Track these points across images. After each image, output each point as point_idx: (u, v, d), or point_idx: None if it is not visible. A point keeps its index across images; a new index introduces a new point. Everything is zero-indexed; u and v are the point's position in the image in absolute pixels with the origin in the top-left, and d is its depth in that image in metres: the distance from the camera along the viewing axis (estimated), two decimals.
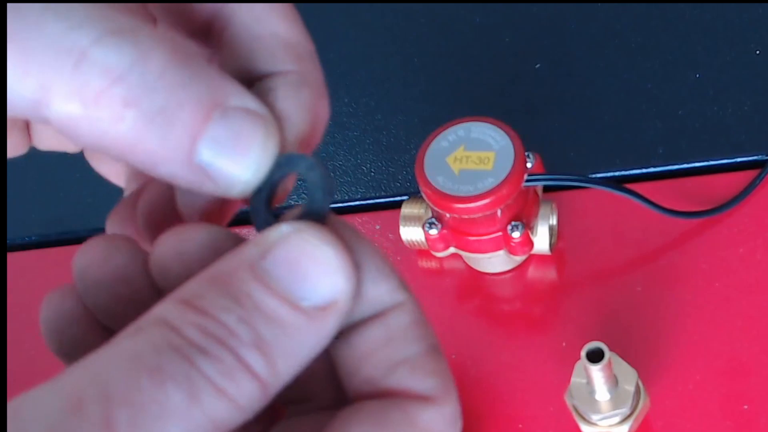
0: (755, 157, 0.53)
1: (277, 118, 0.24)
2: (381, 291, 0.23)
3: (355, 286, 0.22)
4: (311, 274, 0.21)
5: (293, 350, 0.21)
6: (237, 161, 0.22)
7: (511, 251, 0.48)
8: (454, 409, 0.23)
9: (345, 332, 0.23)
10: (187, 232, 0.24)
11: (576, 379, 0.43)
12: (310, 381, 0.25)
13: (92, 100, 0.21)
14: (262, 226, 0.24)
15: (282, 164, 0.23)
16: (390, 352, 0.23)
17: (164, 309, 0.20)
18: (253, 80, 0.25)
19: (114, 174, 0.32)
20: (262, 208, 0.24)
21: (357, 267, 0.22)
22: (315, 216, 0.23)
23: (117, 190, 0.69)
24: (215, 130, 0.22)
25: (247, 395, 0.20)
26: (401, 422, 0.22)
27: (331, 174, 0.23)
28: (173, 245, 0.24)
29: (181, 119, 0.21)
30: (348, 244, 0.22)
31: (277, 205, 0.25)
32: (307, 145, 0.26)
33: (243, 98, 0.22)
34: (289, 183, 0.25)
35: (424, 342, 0.23)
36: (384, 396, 0.22)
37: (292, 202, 0.61)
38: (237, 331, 0.20)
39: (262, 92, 0.25)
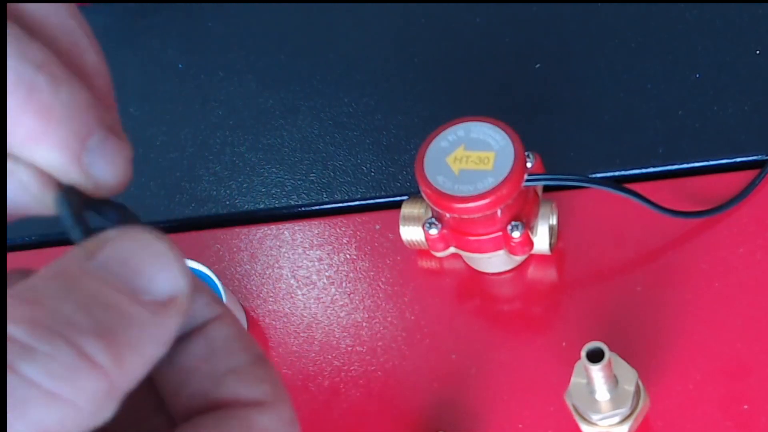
0: (755, 157, 0.53)
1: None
2: (198, 304, 0.23)
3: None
4: (148, 269, 0.20)
5: (140, 343, 0.20)
6: None
7: (511, 251, 0.48)
8: (289, 411, 0.23)
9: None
10: None
11: (576, 379, 0.43)
12: (140, 414, 0.24)
13: None
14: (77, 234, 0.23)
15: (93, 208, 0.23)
16: (215, 364, 0.22)
17: None
18: None
19: None
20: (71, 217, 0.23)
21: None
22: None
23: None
24: None
25: (90, 394, 0.18)
26: (240, 429, 0.21)
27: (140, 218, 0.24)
28: None
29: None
30: None
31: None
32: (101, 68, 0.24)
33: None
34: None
35: (249, 352, 0.23)
36: (216, 407, 0.22)
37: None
38: (75, 318, 0.18)
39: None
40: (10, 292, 0.19)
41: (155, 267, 0.20)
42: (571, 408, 0.43)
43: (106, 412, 0.19)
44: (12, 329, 0.18)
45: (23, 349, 0.18)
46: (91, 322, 0.19)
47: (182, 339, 0.23)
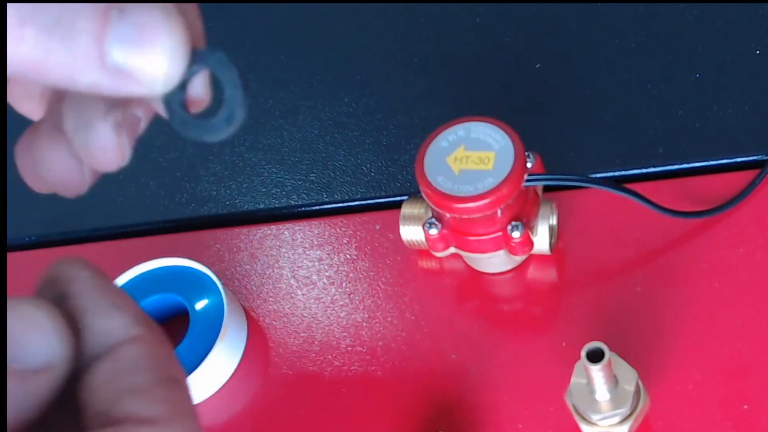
0: (755, 157, 0.53)
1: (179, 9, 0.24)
2: (112, 325, 0.23)
3: (71, 351, 0.22)
4: (24, 338, 0.21)
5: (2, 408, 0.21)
6: (149, 54, 0.22)
7: (511, 251, 0.48)
8: (184, 430, 0.23)
9: (77, 369, 0.23)
10: None
11: (576, 379, 0.43)
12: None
13: None
14: (180, 127, 0.24)
15: (191, 61, 0.23)
16: (117, 384, 0.23)
17: None
18: None
19: (33, 111, 0.31)
20: (178, 109, 0.24)
21: (75, 327, 0.23)
22: (230, 115, 0.24)
23: (116, 191, 0.69)
24: (118, 29, 0.22)
25: None
26: None
27: (239, 72, 0.25)
28: None
29: (80, 26, 0.21)
30: (75, 278, 0.23)
31: (195, 111, 0.25)
32: (202, 38, 0.26)
33: None
34: (200, 87, 0.25)
35: (156, 372, 0.23)
36: (110, 424, 0.22)
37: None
38: None
39: None
40: None
41: (32, 337, 0.21)
42: (571, 408, 0.43)
43: None
44: None
45: None
46: None
47: (95, 359, 0.23)
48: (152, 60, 0.22)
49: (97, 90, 0.23)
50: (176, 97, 0.24)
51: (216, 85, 0.25)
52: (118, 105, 0.25)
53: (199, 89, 0.25)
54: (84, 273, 0.24)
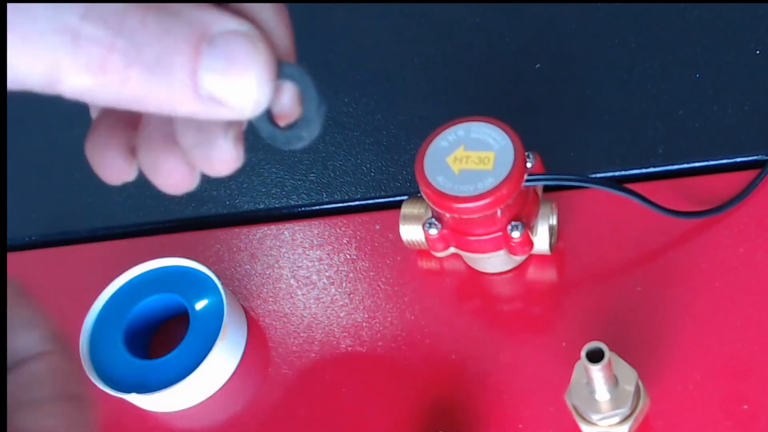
0: (755, 157, 0.53)
1: (264, 31, 0.25)
2: (24, 340, 0.25)
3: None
4: None
5: None
6: (237, 82, 0.24)
7: (511, 251, 0.48)
8: None
9: None
10: None
11: (576, 379, 0.43)
12: None
13: (98, 69, 0.23)
14: (269, 137, 0.27)
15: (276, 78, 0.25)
16: (18, 396, 0.24)
17: None
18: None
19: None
20: (265, 125, 0.27)
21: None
22: (308, 123, 0.27)
23: (117, 191, 0.69)
24: (208, 60, 0.24)
25: None
26: None
27: (313, 83, 0.27)
28: None
29: (176, 62, 0.23)
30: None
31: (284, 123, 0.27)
32: (291, 52, 0.28)
33: (224, 22, 0.24)
34: (286, 98, 0.27)
35: (55, 389, 0.25)
36: None
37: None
38: None
39: (238, 13, 0.26)
40: None
41: None
42: (571, 408, 0.43)
43: None
44: None
45: None
46: None
47: (11, 367, 0.24)
48: (241, 87, 0.24)
49: (194, 117, 0.25)
50: (262, 114, 0.26)
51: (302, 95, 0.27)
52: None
53: (287, 103, 0.27)
54: (7, 288, 0.25)
